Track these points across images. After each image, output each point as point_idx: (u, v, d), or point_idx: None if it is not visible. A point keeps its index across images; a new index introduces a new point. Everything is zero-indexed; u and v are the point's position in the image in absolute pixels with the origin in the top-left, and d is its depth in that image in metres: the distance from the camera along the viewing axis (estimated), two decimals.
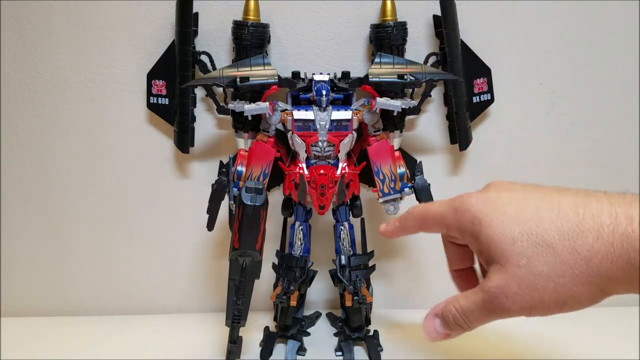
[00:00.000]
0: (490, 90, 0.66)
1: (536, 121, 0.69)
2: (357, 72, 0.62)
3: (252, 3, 0.60)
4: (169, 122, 0.65)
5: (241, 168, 0.59)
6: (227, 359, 0.58)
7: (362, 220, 0.62)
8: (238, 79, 0.56)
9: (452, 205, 0.39)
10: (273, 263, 0.63)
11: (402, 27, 0.60)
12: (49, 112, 0.67)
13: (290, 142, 0.57)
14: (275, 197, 0.64)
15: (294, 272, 0.59)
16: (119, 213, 0.70)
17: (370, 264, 0.61)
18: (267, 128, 0.58)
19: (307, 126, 0.56)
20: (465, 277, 0.45)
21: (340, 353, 0.61)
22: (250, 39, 0.59)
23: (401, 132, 0.62)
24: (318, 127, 0.56)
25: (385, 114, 0.59)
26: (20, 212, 0.70)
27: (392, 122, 0.61)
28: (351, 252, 0.60)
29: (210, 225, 0.59)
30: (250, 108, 0.55)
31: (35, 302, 0.72)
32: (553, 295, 0.34)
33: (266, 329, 0.64)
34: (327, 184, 0.56)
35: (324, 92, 0.55)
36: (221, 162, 0.61)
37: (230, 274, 0.55)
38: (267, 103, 0.55)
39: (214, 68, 0.63)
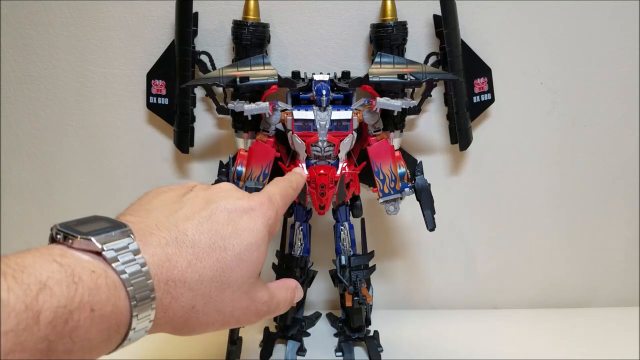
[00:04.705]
0: (490, 90, 0.65)
1: (536, 121, 0.69)
2: (357, 72, 0.62)
3: (252, 3, 0.60)
4: (169, 122, 0.65)
5: (241, 168, 0.59)
6: (227, 359, 0.58)
7: (362, 221, 0.62)
8: (238, 79, 0.56)
9: None
10: (273, 263, 0.63)
11: (402, 27, 0.60)
12: (49, 112, 0.67)
13: (290, 142, 0.57)
14: None
15: (294, 272, 0.59)
16: (118, 213, 0.70)
17: (371, 264, 0.61)
18: (267, 128, 0.58)
19: (307, 126, 0.56)
20: None
21: (340, 353, 0.61)
22: (250, 39, 0.59)
23: (401, 132, 0.62)
24: (318, 127, 0.56)
25: (385, 113, 0.59)
26: (20, 212, 0.70)
27: (392, 122, 0.61)
28: (351, 253, 0.60)
29: None
30: (250, 108, 0.55)
31: None
32: None
33: (266, 329, 0.64)
34: (327, 184, 0.56)
35: (324, 92, 0.55)
36: (221, 162, 0.61)
37: None
38: (267, 103, 0.55)
39: (214, 68, 0.63)
